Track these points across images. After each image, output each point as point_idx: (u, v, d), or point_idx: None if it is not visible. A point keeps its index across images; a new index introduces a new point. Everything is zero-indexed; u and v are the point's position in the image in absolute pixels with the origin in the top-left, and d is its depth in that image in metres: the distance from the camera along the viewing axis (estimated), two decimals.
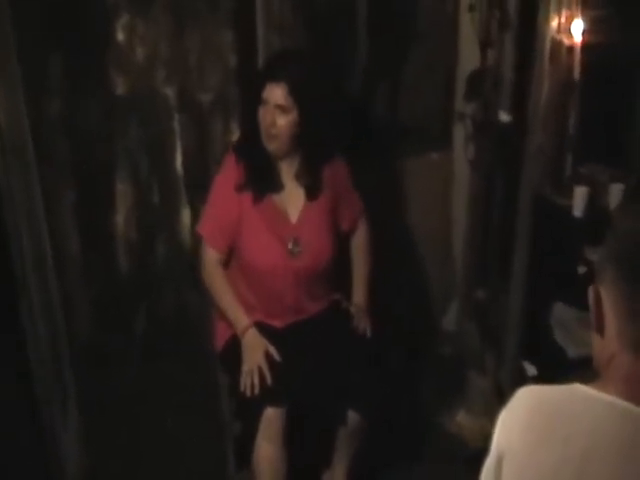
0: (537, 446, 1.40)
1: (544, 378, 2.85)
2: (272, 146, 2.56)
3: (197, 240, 2.73)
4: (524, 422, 1.44)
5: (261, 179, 2.59)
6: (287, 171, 2.64)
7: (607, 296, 1.37)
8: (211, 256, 2.66)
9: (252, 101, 2.56)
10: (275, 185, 2.62)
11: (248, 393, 2.49)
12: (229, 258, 2.68)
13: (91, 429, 2.93)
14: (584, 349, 2.86)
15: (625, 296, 1.34)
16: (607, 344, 1.42)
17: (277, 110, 2.50)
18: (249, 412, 2.54)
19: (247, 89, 2.88)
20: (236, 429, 2.80)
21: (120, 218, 3.05)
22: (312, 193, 2.65)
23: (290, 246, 2.61)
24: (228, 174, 2.61)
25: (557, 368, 2.91)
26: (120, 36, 2.90)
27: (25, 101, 2.63)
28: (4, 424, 2.89)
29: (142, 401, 3.00)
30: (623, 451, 1.34)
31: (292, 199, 2.65)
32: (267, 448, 2.52)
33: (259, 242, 2.60)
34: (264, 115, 2.51)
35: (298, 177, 2.65)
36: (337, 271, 2.77)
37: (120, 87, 2.95)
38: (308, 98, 2.52)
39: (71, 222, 2.99)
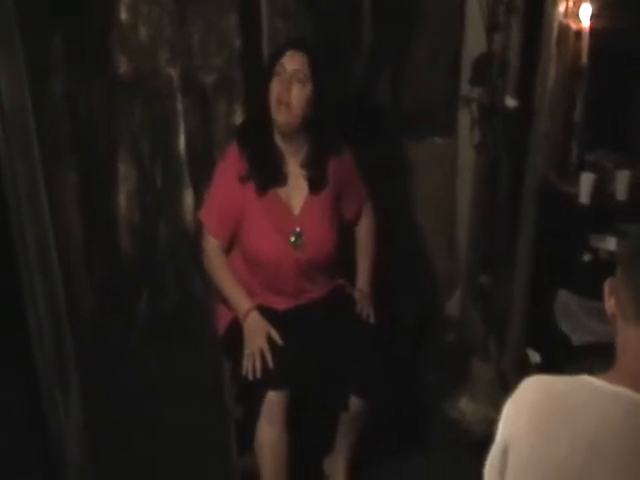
0: (544, 437, 1.41)
1: (548, 366, 2.87)
2: (283, 117, 2.53)
3: (200, 223, 2.72)
4: (531, 413, 1.45)
5: (265, 171, 2.58)
6: (293, 159, 2.62)
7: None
8: (212, 244, 2.67)
9: (264, 77, 2.55)
10: (279, 177, 2.60)
11: (250, 377, 2.49)
12: (231, 244, 2.67)
13: (93, 414, 2.93)
14: (589, 337, 2.87)
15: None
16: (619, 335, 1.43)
17: (293, 79, 2.49)
18: (251, 396, 2.53)
19: (253, 70, 2.84)
20: (238, 413, 2.79)
21: (122, 200, 3.03)
22: (315, 187, 2.63)
23: (292, 238, 2.60)
24: (231, 164, 2.59)
25: (561, 356, 2.90)
26: (123, 16, 2.87)
27: (28, 82, 2.61)
28: (7, 412, 2.90)
29: (145, 386, 2.99)
30: (630, 441, 1.35)
31: (296, 191, 2.63)
32: (269, 432, 2.51)
33: (261, 233, 2.60)
34: (279, 83, 2.50)
35: (304, 167, 2.63)
36: (341, 257, 2.75)
37: (123, 68, 2.93)
38: (323, 76, 2.52)
39: (73, 204, 2.97)
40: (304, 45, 2.55)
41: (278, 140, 2.60)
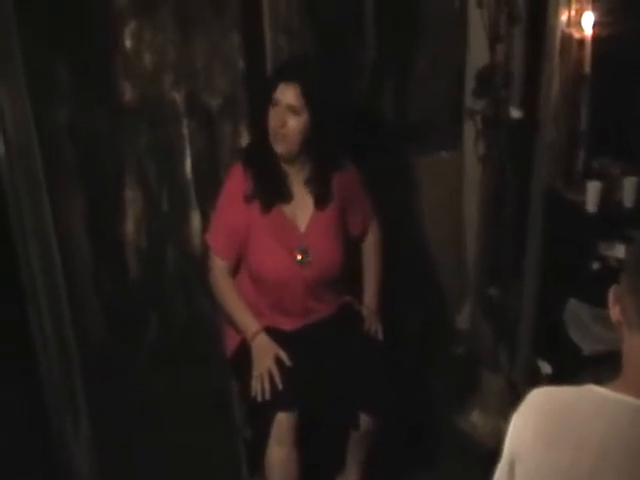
0: (550, 447, 1.41)
1: (559, 376, 2.84)
2: (281, 148, 2.54)
3: (206, 245, 2.73)
4: (537, 424, 1.45)
5: (270, 189, 2.58)
6: (296, 178, 2.62)
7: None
8: (218, 265, 2.67)
9: (262, 104, 2.55)
10: (284, 195, 2.60)
11: (259, 398, 2.49)
12: (238, 265, 2.68)
13: (102, 437, 2.94)
14: (599, 346, 2.85)
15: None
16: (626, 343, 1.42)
17: (288, 111, 2.49)
18: (260, 417, 2.54)
19: (257, 92, 2.85)
20: (248, 434, 2.81)
21: (130, 225, 3.05)
22: (321, 202, 2.63)
23: (299, 256, 2.60)
24: (236, 185, 2.60)
25: (572, 366, 2.88)
26: (127, 42, 2.90)
27: (32, 108, 2.64)
28: (15, 434, 2.90)
29: (154, 409, 3.01)
30: (635, 449, 1.34)
31: (301, 208, 2.63)
32: (279, 452, 2.51)
33: (267, 252, 2.60)
34: (274, 116, 2.50)
35: (307, 184, 2.63)
36: (348, 274, 2.75)
37: (128, 93, 2.95)
38: (319, 100, 2.51)
39: (80, 230, 2.99)
40: (295, 74, 2.51)
41: (281, 161, 2.61)
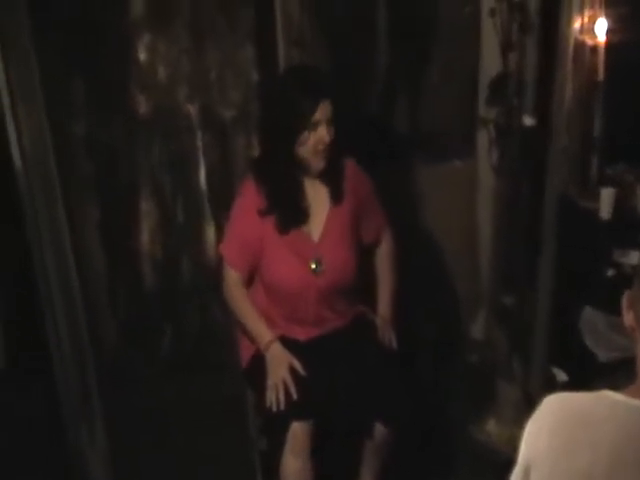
0: (565, 451, 1.42)
1: (575, 384, 2.82)
2: (324, 163, 2.54)
3: (221, 257, 2.73)
4: (551, 430, 1.45)
5: (287, 212, 2.57)
6: (312, 185, 2.61)
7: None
8: (232, 275, 2.67)
9: (296, 126, 2.48)
10: (301, 217, 2.59)
11: (274, 408, 2.50)
12: (252, 275, 2.68)
13: (118, 446, 2.94)
14: (615, 353, 2.82)
15: None
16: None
17: (329, 127, 2.49)
18: (275, 427, 2.54)
19: (272, 107, 2.79)
20: (262, 444, 2.81)
21: (145, 235, 3.07)
22: (336, 195, 2.61)
23: (313, 265, 2.60)
24: (249, 199, 2.59)
25: (588, 373, 2.86)
26: (142, 55, 2.92)
27: (48, 120, 2.67)
28: (31, 442, 2.92)
29: (168, 417, 3.01)
30: None
31: (315, 217, 2.62)
32: (294, 462, 2.52)
33: (281, 263, 2.60)
34: (319, 135, 2.48)
35: (323, 180, 2.61)
36: (362, 283, 2.75)
37: (143, 106, 2.97)
38: (339, 109, 2.52)
39: (96, 241, 3.02)
40: (328, 91, 2.50)
41: (303, 177, 2.60)
